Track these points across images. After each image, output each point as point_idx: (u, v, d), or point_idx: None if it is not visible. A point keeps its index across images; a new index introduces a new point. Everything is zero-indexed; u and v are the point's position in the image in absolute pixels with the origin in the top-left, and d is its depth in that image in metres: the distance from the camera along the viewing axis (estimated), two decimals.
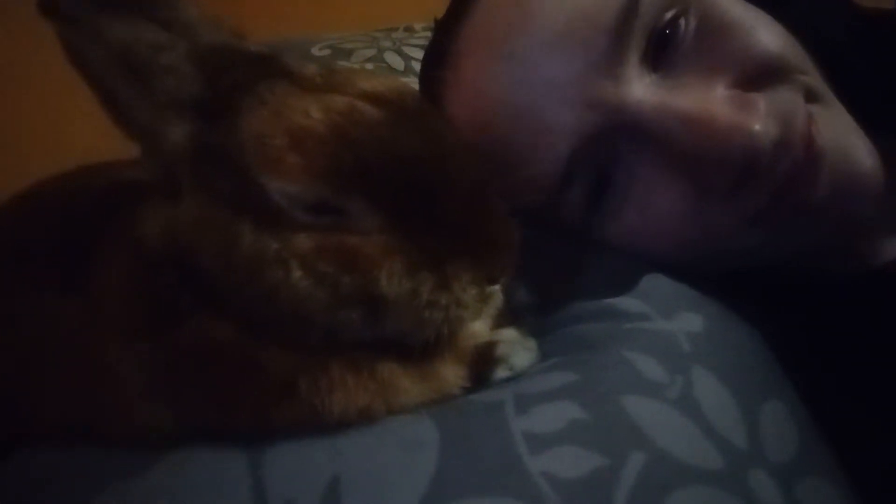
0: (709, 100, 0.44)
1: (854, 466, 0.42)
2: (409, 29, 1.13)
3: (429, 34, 0.92)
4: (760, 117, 0.43)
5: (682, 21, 0.46)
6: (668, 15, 0.46)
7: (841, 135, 0.47)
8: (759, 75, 0.45)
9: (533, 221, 0.43)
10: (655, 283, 0.47)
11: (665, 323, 0.43)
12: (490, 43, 0.48)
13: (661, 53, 0.46)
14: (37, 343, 0.38)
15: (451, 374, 0.39)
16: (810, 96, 0.47)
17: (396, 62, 0.97)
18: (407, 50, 1.01)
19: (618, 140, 0.46)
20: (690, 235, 0.47)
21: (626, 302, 0.45)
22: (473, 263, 0.34)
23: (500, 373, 0.41)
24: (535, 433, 0.33)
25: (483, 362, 0.41)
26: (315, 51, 1.02)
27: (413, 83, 0.61)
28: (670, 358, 0.39)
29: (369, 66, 0.96)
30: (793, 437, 0.40)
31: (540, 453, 0.32)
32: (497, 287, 0.37)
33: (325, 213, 0.32)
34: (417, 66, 0.77)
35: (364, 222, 0.33)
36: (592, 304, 0.45)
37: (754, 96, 0.45)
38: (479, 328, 0.43)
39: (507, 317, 0.45)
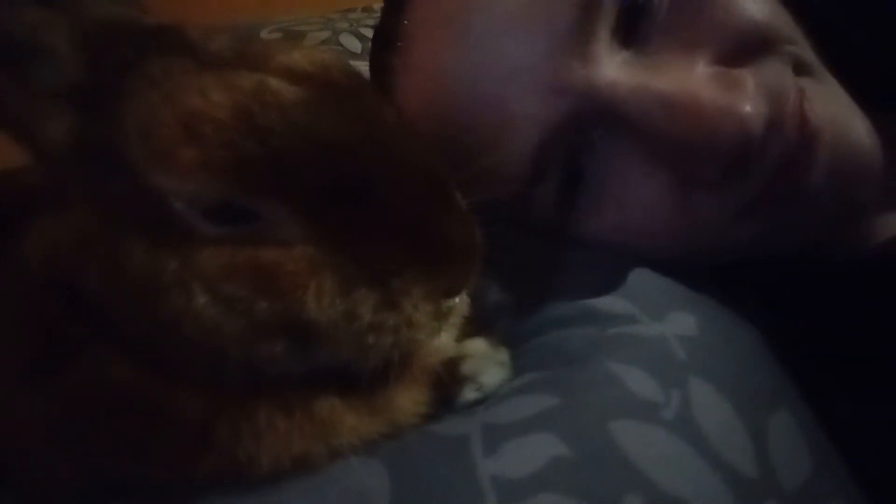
0: (691, 79, 0.39)
1: (861, 465, 0.38)
2: (367, 9, 1.06)
3: None
4: (749, 97, 0.38)
5: None
6: None
7: (836, 111, 0.42)
8: (743, 48, 0.41)
9: (500, 217, 0.37)
10: (641, 280, 0.41)
11: (655, 325, 0.37)
12: (442, 22, 0.43)
13: (634, 27, 0.41)
14: None
15: (408, 401, 0.33)
16: (800, 69, 0.42)
17: (353, 44, 0.90)
18: (364, 31, 0.94)
19: (589, 127, 0.40)
20: (676, 231, 0.43)
21: (609, 302, 0.39)
22: (426, 274, 0.28)
23: (468, 394, 0.35)
24: (507, 479, 0.27)
25: (447, 382, 0.35)
26: (265, 34, 0.95)
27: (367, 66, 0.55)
28: (663, 369, 0.34)
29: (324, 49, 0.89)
30: (804, 455, 0.35)
31: None
32: (457, 300, 0.31)
33: (233, 221, 0.26)
34: None
35: (283, 230, 0.26)
36: (572, 306, 0.40)
37: (740, 73, 0.40)
38: (441, 341, 0.37)
39: (475, 323, 0.39)
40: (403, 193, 0.27)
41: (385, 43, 0.47)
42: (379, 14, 1.12)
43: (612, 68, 0.40)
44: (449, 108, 0.42)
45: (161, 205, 0.26)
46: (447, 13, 0.42)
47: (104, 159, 0.27)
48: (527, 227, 0.44)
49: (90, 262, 0.27)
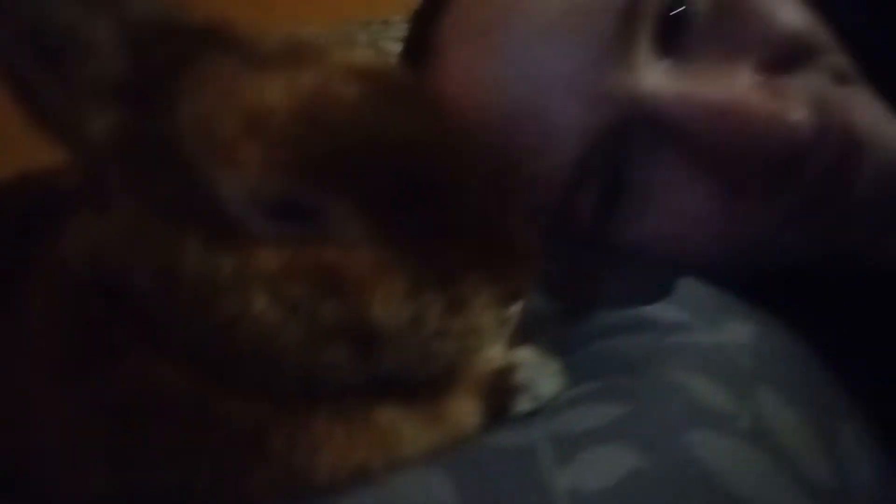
0: (736, 87, 0.39)
1: None
2: (385, 22, 1.06)
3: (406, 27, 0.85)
4: (798, 104, 0.38)
5: None
6: None
7: (875, 119, 0.42)
8: (784, 57, 0.41)
9: (541, 224, 0.36)
10: (690, 288, 0.40)
11: (712, 333, 0.36)
12: (478, 33, 0.43)
13: (673, 36, 0.41)
14: None
15: (464, 411, 0.31)
16: (840, 78, 0.42)
17: None
18: (384, 44, 0.94)
19: (631, 136, 0.40)
20: (719, 239, 0.42)
21: (662, 310, 0.38)
22: (492, 277, 0.27)
23: (523, 404, 0.34)
24: (585, 492, 0.25)
25: (500, 392, 0.34)
26: None
27: None
28: (730, 378, 0.32)
29: None
30: (870, 464, 0.33)
31: None
32: (518, 306, 0.29)
33: (294, 220, 0.25)
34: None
35: (347, 230, 0.25)
36: (622, 314, 0.39)
37: (785, 81, 0.40)
38: (492, 349, 0.35)
39: (519, 332, 0.38)
40: (468, 194, 0.26)
41: (417, 50, 0.47)
42: (396, 25, 1.11)
43: (655, 76, 0.39)
44: (489, 118, 0.41)
45: (216, 202, 0.25)
46: (484, 22, 0.42)
47: (154, 156, 0.26)
48: (567, 234, 0.44)
49: (138, 262, 0.26)
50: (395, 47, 0.92)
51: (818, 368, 0.38)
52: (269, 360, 0.26)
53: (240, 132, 0.24)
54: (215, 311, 0.25)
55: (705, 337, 0.35)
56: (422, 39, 0.47)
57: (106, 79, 0.27)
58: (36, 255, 0.32)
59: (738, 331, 0.37)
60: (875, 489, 0.33)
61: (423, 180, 0.26)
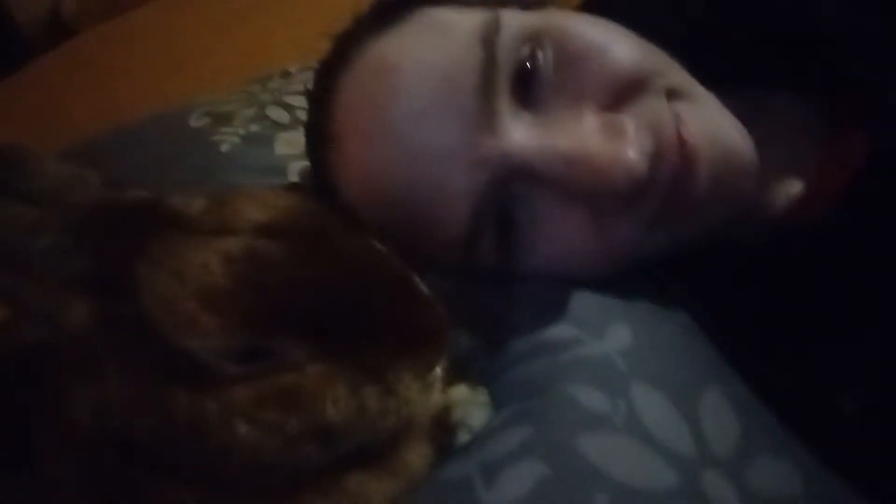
0: (582, 133, 0.46)
1: (794, 420, 0.46)
2: (285, 74, 1.09)
3: (306, 75, 0.90)
4: (632, 141, 0.45)
5: (538, 54, 0.48)
6: (524, 51, 0.47)
7: (709, 123, 0.50)
8: (619, 93, 0.48)
9: (455, 272, 0.44)
10: (579, 303, 0.49)
11: (597, 344, 0.45)
12: (363, 122, 0.49)
13: (528, 89, 0.48)
14: None
15: (416, 457, 0.40)
16: (673, 95, 0.50)
17: (280, 116, 0.94)
18: (288, 99, 0.97)
19: (510, 184, 0.48)
20: (601, 251, 0.50)
21: (557, 330, 0.47)
22: (411, 360, 0.35)
23: (461, 437, 0.43)
24: (507, 502, 0.35)
25: (442, 432, 0.43)
26: (193, 121, 0.98)
27: (300, 135, 0.60)
28: (609, 382, 0.42)
29: (254, 126, 0.93)
30: (733, 421, 0.43)
31: None
32: (438, 370, 0.38)
33: (255, 358, 0.33)
34: (302, 115, 0.76)
35: (294, 356, 0.33)
36: (527, 341, 0.47)
37: (622, 119, 0.47)
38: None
39: (454, 369, 0.46)
40: (378, 303, 0.35)
41: (319, 141, 0.54)
42: (296, 76, 1.14)
43: (518, 133, 0.46)
44: (387, 197, 0.49)
45: (192, 359, 0.32)
46: (367, 113, 0.49)
47: (131, 335, 0.33)
48: (478, 274, 0.52)
49: (139, 418, 0.33)
50: (299, 100, 0.97)
51: (686, 347, 0.48)
52: (256, 466, 0.34)
53: (196, 307, 0.31)
54: (210, 442, 0.33)
55: (590, 349, 0.45)
56: (322, 128, 0.54)
57: (73, 273, 0.33)
58: (37, 413, 0.38)
59: (617, 335, 0.47)
60: (743, 440, 0.42)
61: (341, 305, 0.34)
